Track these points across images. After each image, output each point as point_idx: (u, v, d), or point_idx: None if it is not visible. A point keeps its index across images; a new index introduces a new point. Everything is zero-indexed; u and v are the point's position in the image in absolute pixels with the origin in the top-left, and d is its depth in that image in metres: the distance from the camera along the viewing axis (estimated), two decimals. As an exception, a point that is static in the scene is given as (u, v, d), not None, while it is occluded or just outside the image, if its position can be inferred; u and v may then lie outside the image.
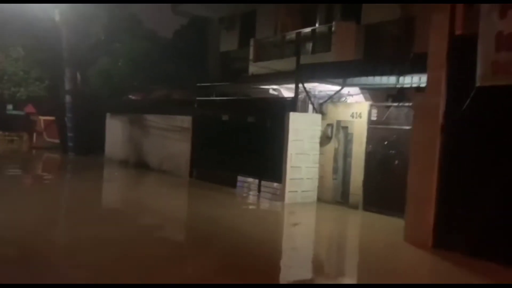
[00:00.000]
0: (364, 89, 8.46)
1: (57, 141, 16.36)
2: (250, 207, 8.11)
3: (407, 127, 6.45)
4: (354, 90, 8.62)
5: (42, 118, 17.20)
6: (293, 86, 8.17)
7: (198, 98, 10.79)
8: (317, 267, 5.11)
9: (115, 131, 13.51)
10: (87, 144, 14.19)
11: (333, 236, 6.57)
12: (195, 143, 10.45)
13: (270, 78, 10.58)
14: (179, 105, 11.69)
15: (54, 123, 16.56)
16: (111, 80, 13.73)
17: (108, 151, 13.85)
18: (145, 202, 7.99)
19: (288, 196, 7.80)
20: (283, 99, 9.36)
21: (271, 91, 10.96)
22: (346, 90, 8.54)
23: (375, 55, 9.86)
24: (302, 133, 7.92)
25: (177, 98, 13.44)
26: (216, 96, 11.40)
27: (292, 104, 8.08)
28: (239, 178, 9.10)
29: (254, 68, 12.42)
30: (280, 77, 9.94)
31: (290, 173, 7.79)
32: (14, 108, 18.74)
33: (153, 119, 11.92)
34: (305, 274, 4.79)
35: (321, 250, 5.83)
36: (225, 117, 9.78)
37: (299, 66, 7.98)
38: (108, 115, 13.96)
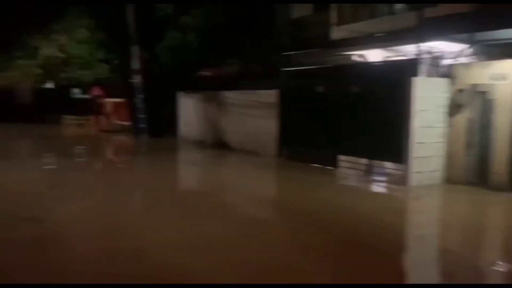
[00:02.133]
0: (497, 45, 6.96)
1: (126, 123, 15.92)
2: (364, 191, 6.97)
3: None
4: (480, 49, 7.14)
5: (109, 100, 16.80)
6: (387, 49, 6.85)
7: (285, 69, 9.63)
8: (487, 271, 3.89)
9: (189, 111, 12.75)
10: (159, 126, 13.58)
11: (484, 227, 5.29)
12: (283, 119, 9.38)
13: (364, 41, 9.21)
14: (260, 78, 10.62)
15: (123, 105, 16.11)
16: (181, 56, 12.89)
17: (182, 132, 13.15)
18: (242, 187, 7.10)
19: (413, 178, 6.57)
20: (400, 62, 7.86)
21: (355, 57, 9.66)
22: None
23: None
24: (427, 102, 6.60)
25: (256, 71, 12.36)
26: (295, 67, 10.22)
27: (412, 68, 6.73)
28: (342, 157, 7.95)
29: (339, 32, 11.04)
30: (378, 40, 8.56)
31: (415, 150, 6.55)
32: (81, 92, 18.56)
33: (231, 96, 10.96)
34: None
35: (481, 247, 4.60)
36: (319, 89, 8.60)
37: (423, 20, 6.59)
38: (180, 94, 13.21)
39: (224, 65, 13.55)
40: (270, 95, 9.62)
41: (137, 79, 13.85)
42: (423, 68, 6.74)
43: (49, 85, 18.94)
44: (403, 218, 5.54)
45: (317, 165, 8.22)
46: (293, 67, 9.77)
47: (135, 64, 13.77)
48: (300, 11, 13.85)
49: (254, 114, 10.05)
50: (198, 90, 12.56)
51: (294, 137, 9.06)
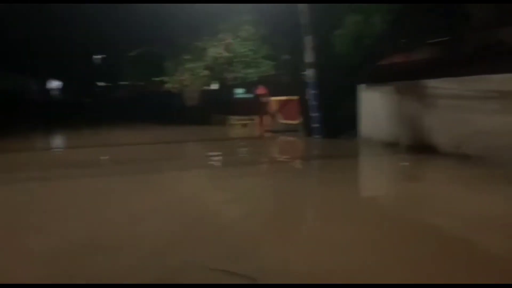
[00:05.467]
0: None
1: (294, 122, 14.76)
2: None
3: None
4: None
5: (275, 98, 15.88)
6: None
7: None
8: None
9: (375, 106, 10.83)
10: (335, 124, 11.96)
11: None
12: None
13: None
14: (490, 60, 8.16)
15: (290, 103, 15.01)
16: (364, 43, 11.05)
17: (364, 132, 11.31)
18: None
19: None
20: None
21: None
22: None
23: None
24: None
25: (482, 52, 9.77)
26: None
27: None
28: None
29: None
30: None
31: None
32: (245, 91, 18.14)
33: (440, 85, 8.70)
34: None
35: None
36: None
37: None
38: (361, 87, 11.39)
39: (419, 48, 11.24)
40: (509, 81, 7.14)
41: (309, 73, 12.48)
42: None
43: (214, 86, 18.99)
44: None
45: None
46: None
47: (308, 56, 12.39)
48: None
49: (481, 108, 7.66)
50: (385, 81, 10.57)
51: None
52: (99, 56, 26.89)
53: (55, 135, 17.77)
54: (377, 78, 10.86)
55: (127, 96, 25.22)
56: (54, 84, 27.80)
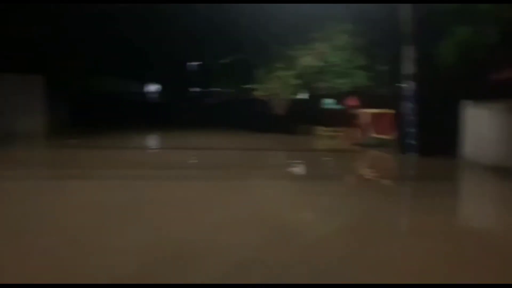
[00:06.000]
0: None
1: (386, 137, 13.91)
2: None
3: None
4: None
5: (367, 111, 15.15)
6: None
7: None
8: None
9: (481, 124, 9.74)
10: (433, 142, 10.98)
11: None
12: None
13: None
14: None
15: (383, 116, 14.20)
16: (472, 54, 10.04)
17: (467, 152, 10.23)
18: None
19: None
20: None
21: None
22: None
23: None
24: None
25: None
26: None
27: None
28: None
29: None
30: None
31: None
32: (334, 102, 17.60)
33: None
34: None
35: None
36: None
37: None
38: (467, 102, 10.34)
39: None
40: None
41: (407, 86, 11.66)
42: None
43: (303, 95, 18.71)
44: None
45: None
46: None
47: (407, 67, 11.59)
48: None
49: None
50: (496, 98, 9.46)
51: None
52: (195, 63, 28.07)
53: (149, 135, 18.77)
54: (487, 94, 9.76)
55: (217, 102, 25.93)
56: (152, 87, 29.53)
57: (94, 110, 21.55)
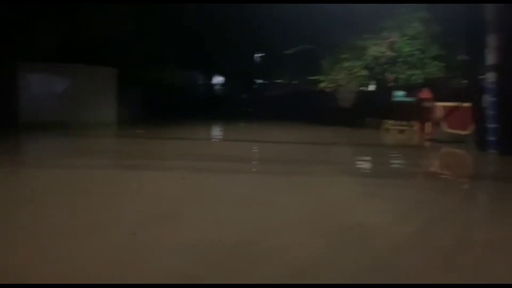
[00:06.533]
0: None
1: (463, 133, 12.90)
2: None
3: None
4: None
5: (441, 104, 14.12)
6: None
7: None
8: None
9: None
10: (517, 139, 9.97)
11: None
12: None
13: None
14: None
15: (459, 110, 13.17)
16: None
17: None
18: None
19: None
20: None
21: None
22: None
23: None
24: None
25: None
26: None
27: None
28: None
29: None
30: None
31: None
32: (404, 94, 16.64)
33: None
34: None
35: None
36: None
37: None
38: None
39: None
40: None
41: (489, 78, 10.65)
42: None
43: (371, 87, 17.91)
44: None
45: None
46: None
47: (490, 58, 10.57)
48: None
49: None
50: None
51: None
52: (260, 55, 28.03)
53: (213, 126, 19.03)
54: None
55: (281, 94, 25.69)
56: (218, 79, 29.97)
57: (162, 102, 22.31)
